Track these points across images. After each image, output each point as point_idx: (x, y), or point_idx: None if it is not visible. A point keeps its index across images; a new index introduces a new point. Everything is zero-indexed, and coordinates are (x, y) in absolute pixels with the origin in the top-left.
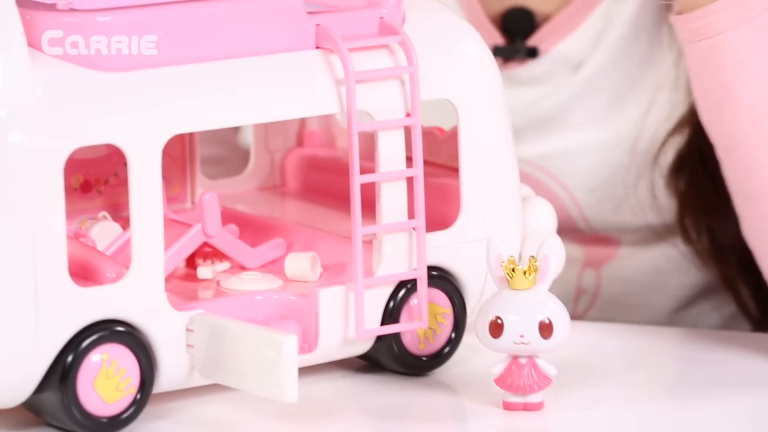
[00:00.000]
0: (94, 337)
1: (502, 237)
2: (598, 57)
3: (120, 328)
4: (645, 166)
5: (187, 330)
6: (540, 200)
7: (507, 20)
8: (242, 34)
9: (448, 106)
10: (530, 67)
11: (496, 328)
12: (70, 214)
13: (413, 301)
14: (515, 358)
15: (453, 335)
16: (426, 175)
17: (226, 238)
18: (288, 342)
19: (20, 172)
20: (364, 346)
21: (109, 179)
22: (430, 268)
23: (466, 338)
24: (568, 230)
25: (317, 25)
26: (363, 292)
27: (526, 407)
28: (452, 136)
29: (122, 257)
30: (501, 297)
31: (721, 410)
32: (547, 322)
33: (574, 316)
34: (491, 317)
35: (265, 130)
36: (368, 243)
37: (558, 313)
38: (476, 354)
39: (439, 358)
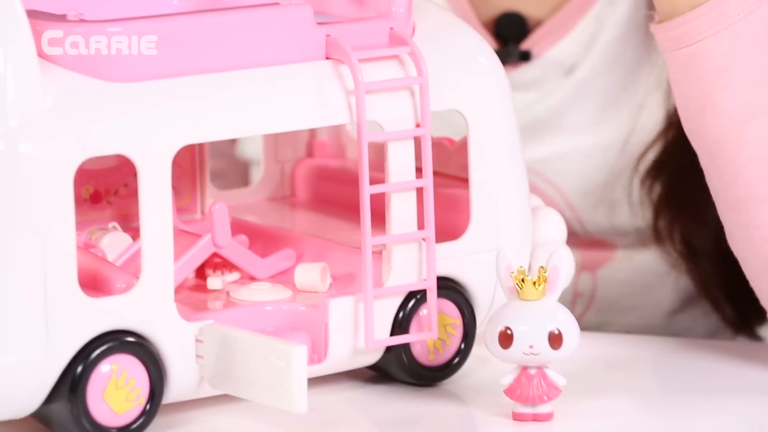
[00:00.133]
0: (103, 348)
1: (512, 247)
2: (590, 60)
3: (130, 339)
4: (633, 170)
5: (197, 340)
6: (550, 211)
7: (500, 25)
8: (252, 45)
9: (458, 116)
10: (523, 71)
11: (506, 339)
12: (80, 224)
13: (423, 311)
14: (525, 368)
15: (462, 346)
16: (436, 185)
17: (235, 249)
18: (298, 352)
19: (30, 183)
20: (373, 357)
21: (119, 190)
22: (440, 279)
23: (476, 349)
24: None
25: (327, 35)
26: (372, 303)
27: (536, 418)
28: (462, 146)
29: (132, 268)
30: (510, 307)
31: (729, 420)
32: (556, 332)
33: None
34: (501, 328)
35: (275, 140)
36: (378, 253)
37: (567, 323)
38: (486, 364)
39: (448, 368)
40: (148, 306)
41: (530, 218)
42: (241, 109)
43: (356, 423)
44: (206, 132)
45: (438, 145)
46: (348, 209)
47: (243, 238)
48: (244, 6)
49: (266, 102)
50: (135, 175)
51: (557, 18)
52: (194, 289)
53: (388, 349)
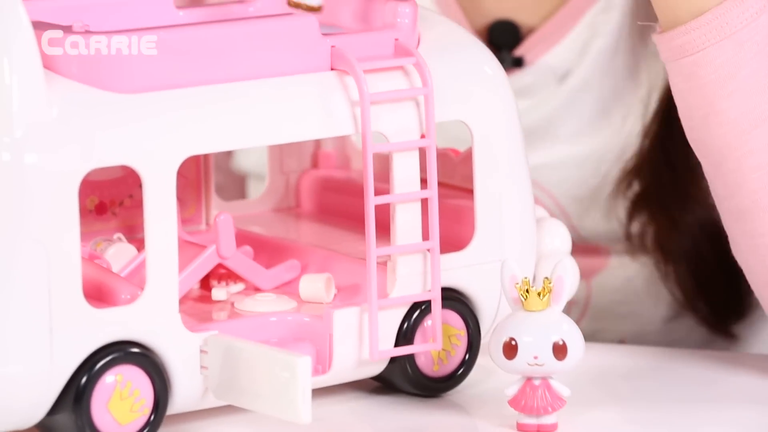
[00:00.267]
0: (108, 359)
1: (517, 258)
2: (584, 67)
3: (134, 350)
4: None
5: (202, 351)
6: (554, 221)
7: (492, 33)
8: (257, 56)
9: (463, 127)
10: (517, 78)
11: (510, 350)
12: (85, 235)
13: (427, 322)
14: (529, 379)
15: (467, 356)
16: (440, 196)
17: (240, 260)
18: (302, 363)
19: (36, 193)
20: (378, 368)
21: (123, 201)
22: (445, 290)
23: (480, 360)
24: None
25: (332, 46)
26: (377, 314)
27: (540, 429)
28: (467, 157)
29: (137, 279)
30: (515, 318)
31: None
32: (561, 343)
33: None
34: (505, 338)
35: (280, 151)
36: (382, 264)
37: (572, 334)
38: (490, 375)
39: (453, 379)
40: (152, 317)
41: (535, 229)
42: (246, 120)
43: None
44: (211, 143)
45: (443, 156)
46: (353, 220)
47: (248, 249)
48: (249, 17)
49: (271, 113)
50: (140, 186)
51: (550, 25)
52: (199, 300)
53: (393, 359)
